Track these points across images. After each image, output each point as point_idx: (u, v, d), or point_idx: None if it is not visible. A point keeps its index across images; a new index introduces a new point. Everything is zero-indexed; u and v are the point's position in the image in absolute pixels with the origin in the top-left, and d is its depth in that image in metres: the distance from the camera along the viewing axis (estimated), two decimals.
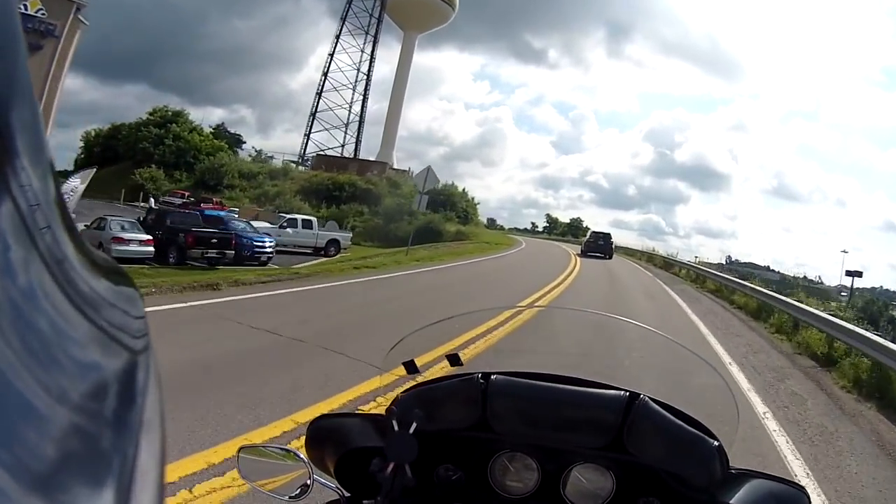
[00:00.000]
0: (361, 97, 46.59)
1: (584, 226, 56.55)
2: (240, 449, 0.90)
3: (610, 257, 25.41)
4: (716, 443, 0.82)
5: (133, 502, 0.22)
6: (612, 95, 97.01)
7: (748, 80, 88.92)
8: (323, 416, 0.97)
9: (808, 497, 0.85)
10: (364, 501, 0.88)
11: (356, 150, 46.20)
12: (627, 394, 0.85)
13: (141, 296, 0.30)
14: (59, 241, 0.22)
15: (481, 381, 0.87)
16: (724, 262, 37.62)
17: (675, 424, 0.83)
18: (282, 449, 0.90)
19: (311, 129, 45.86)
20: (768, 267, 44.89)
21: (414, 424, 0.81)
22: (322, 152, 44.39)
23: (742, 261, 45.54)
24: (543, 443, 0.87)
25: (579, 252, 25.95)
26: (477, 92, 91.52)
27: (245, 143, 48.26)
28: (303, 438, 0.97)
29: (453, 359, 0.97)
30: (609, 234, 28.50)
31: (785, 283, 24.47)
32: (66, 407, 0.20)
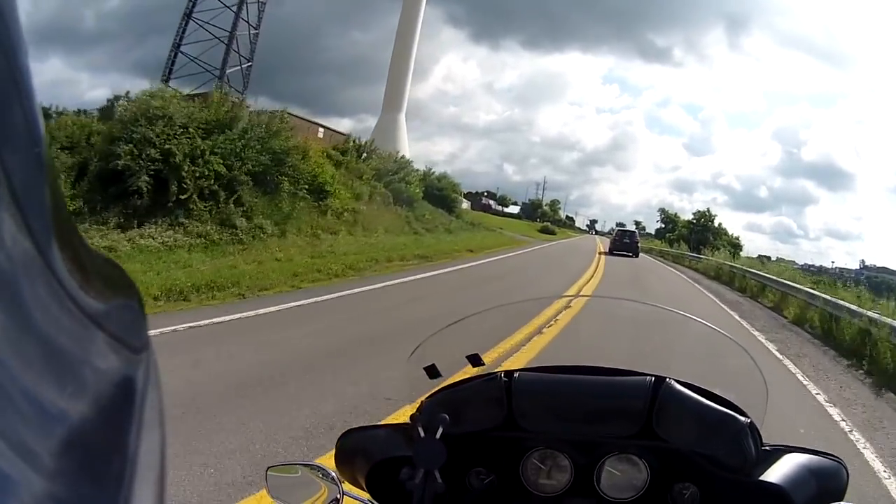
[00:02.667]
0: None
1: (718, 224, 40.74)
2: (267, 469, 0.90)
3: (636, 256, 24.30)
4: (747, 420, 0.81)
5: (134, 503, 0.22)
6: (738, 93, 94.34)
7: (866, 73, 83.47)
8: (350, 430, 0.97)
9: (846, 468, 0.83)
10: None
11: (245, 82, 26.95)
12: (653, 378, 0.84)
13: (139, 292, 0.29)
14: (50, 253, 0.22)
15: (504, 379, 0.88)
16: (858, 268, 34.82)
17: (704, 405, 0.82)
18: (310, 465, 0.90)
19: (181, 39, 26.28)
20: None
21: (440, 429, 0.80)
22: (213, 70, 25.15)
23: (876, 266, 41.48)
24: (573, 437, 0.87)
25: (607, 250, 24.19)
26: (606, 95, 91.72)
27: None
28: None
29: (474, 359, 0.97)
30: (634, 232, 27.89)
31: None
32: (58, 418, 0.20)
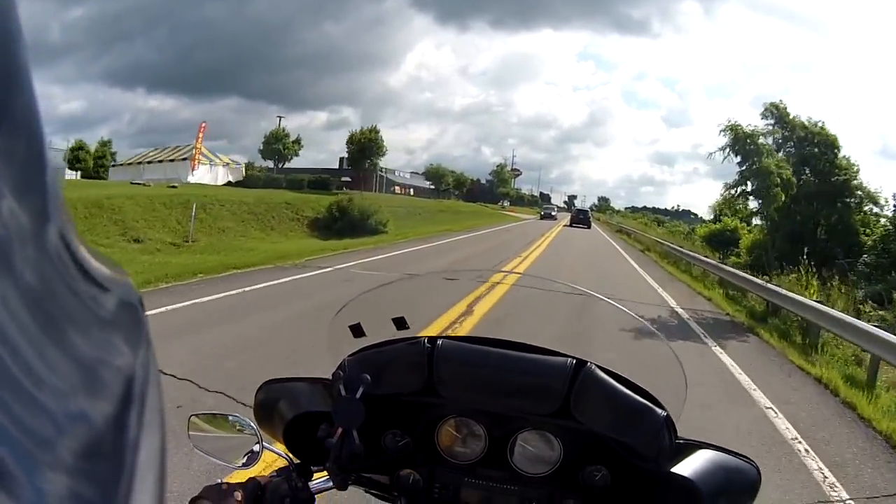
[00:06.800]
0: None
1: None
2: (190, 416, 0.90)
3: (589, 227, 36.89)
4: (663, 413, 0.83)
5: (134, 502, 0.22)
6: (715, 61, 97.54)
7: (842, 37, 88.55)
8: (270, 381, 0.96)
9: (759, 470, 0.85)
10: (313, 467, 0.88)
11: None
12: (574, 361, 0.84)
13: (138, 292, 0.29)
14: (52, 241, 0.21)
15: (427, 345, 0.87)
16: None
17: (623, 393, 0.83)
18: (231, 416, 0.90)
19: None
20: None
21: (361, 389, 0.80)
22: None
23: None
24: (490, 408, 0.88)
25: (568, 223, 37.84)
26: (582, 71, 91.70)
27: None
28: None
29: (399, 322, 0.96)
30: (587, 210, 45.67)
31: None
32: (59, 416, 0.19)
